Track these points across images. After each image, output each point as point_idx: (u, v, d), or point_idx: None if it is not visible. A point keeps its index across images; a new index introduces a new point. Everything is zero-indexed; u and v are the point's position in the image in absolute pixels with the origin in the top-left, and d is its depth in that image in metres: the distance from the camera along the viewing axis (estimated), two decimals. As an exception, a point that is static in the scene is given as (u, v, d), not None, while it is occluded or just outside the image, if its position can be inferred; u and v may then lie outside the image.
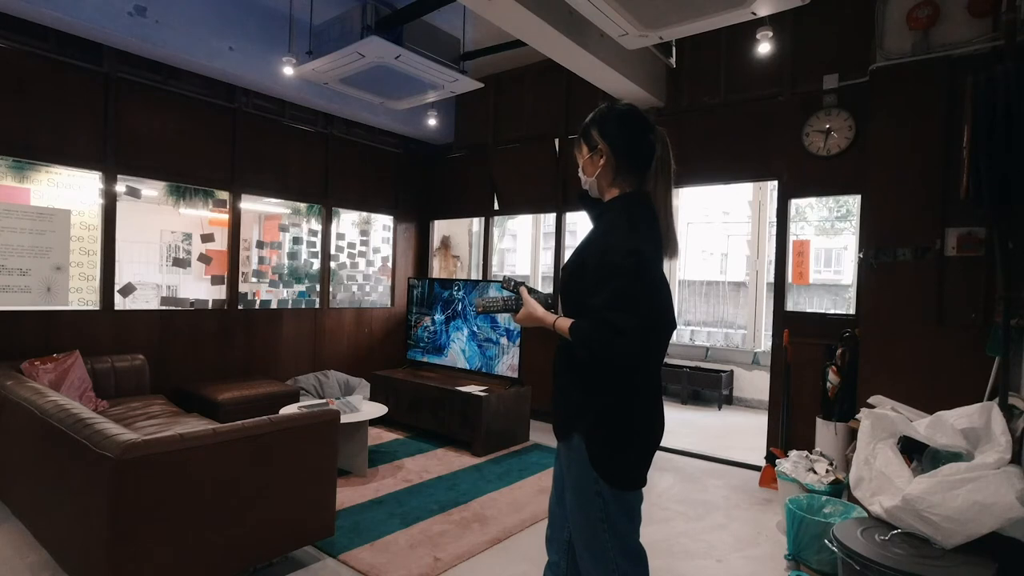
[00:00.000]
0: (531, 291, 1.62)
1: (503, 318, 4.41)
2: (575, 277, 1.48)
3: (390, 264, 5.88)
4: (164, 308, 4.35)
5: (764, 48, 3.78)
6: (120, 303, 3.93)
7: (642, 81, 4.15)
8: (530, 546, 2.74)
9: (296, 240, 5.16)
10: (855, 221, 5.45)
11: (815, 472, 2.90)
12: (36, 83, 3.52)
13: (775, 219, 4.05)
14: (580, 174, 1.60)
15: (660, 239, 1.46)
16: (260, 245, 5.67)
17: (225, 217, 4.54)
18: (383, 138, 5.61)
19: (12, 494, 2.62)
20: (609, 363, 1.37)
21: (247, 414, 2.78)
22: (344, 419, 3.24)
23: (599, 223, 1.54)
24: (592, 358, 1.40)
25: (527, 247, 8.34)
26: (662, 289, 1.39)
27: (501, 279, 1.71)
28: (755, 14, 2.91)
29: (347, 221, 5.70)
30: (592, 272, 1.41)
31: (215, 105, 4.35)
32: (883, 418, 2.39)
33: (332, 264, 5.34)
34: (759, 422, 4.56)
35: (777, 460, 3.15)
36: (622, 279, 1.34)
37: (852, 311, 3.79)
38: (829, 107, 3.71)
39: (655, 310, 1.35)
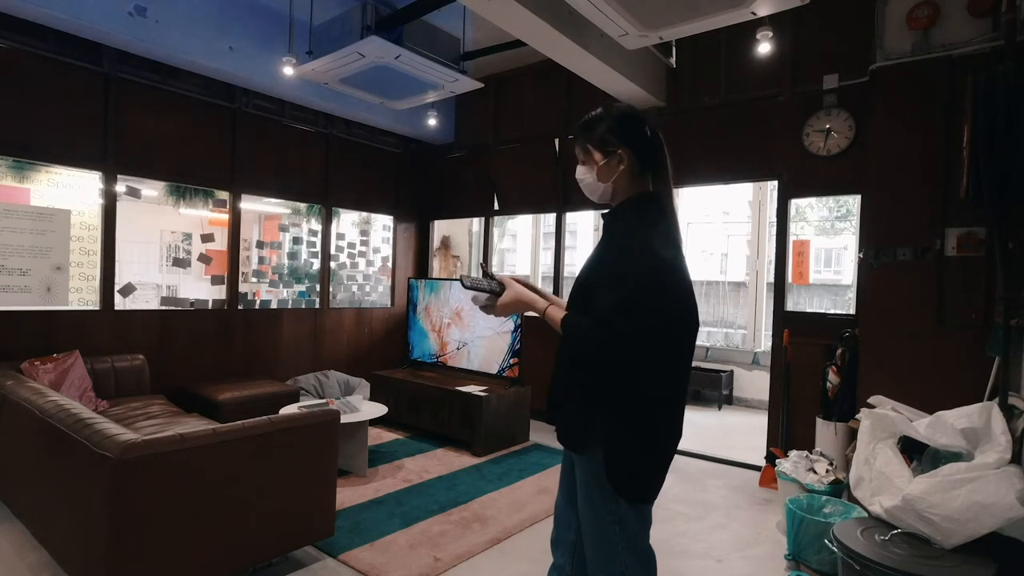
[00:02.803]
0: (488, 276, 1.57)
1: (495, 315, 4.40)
2: (592, 277, 1.45)
3: (390, 264, 5.88)
4: (164, 308, 4.35)
5: (764, 48, 3.78)
6: (120, 303, 3.93)
7: (642, 81, 4.16)
8: (530, 546, 2.74)
9: (296, 240, 5.16)
10: (855, 221, 5.45)
11: (815, 472, 2.90)
12: (36, 83, 3.52)
13: (775, 219, 4.05)
14: (588, 179, 1.51)
15: (676, 236, 1.44)
16: (260, 245, 5.68)
17: (225, 217, 4.54)
18: (383, 138, 5.61)
19: (12, 494, 2.62)
20: (602, 363, 1.36)
21: (247, 414, 2.78)
22: (344, 419, 3.24)
23: (617, 226, 1.49)
24: (581, 355, 1.38)
25: (527, 247, 8.34)
26: (676, 292, 1.37)
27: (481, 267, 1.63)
28: (755, 14, 2.91)
29: (347, 221, 5.70)
30: (606, 275, 1.39)
31: (215, 105, 4.35)
32: (883, 418, 2.39)
33: (332, 264, 5.34)
34: (759, 422, 4.56)
35: (777, 460, 3.15)
36: (631, 283, 1.32)
37: (852, 311, 3.79)
38: (829, 107, 3.71)
39: (661, 316, 1.33)
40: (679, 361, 1.43)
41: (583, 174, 1.53)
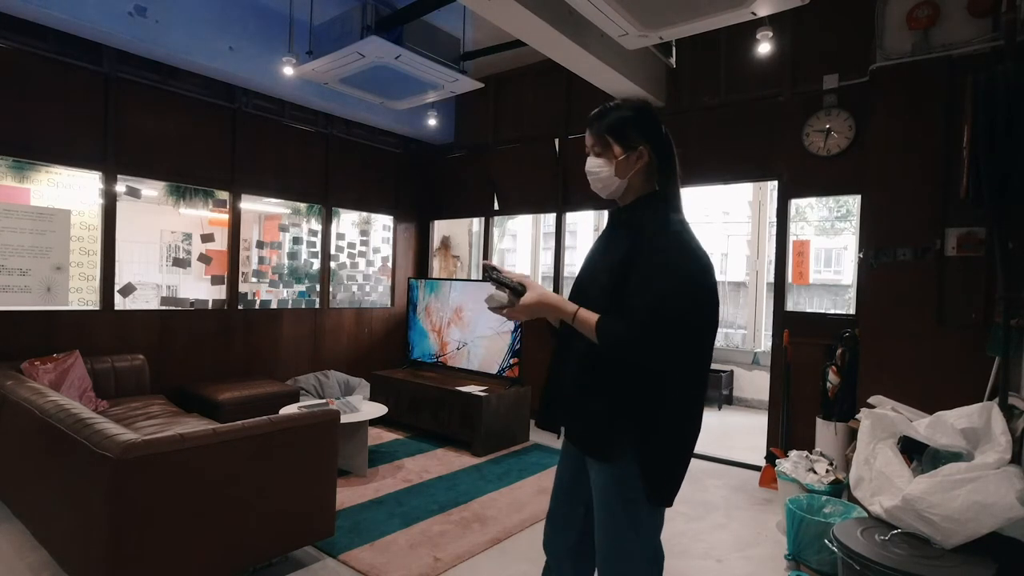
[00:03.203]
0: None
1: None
2: (614, 277, 1.37)
3: (390, 264, 5.88)
4: (164, 308, 4.35)
5: (764, 48, 3.78)
6: (120, 303, 3.93)
7: (642, 81, 4.16)
8: (530, 546, 2.73)
9: (296, 240, 5.16)
10: (855, 221, 5.45)
11: (815, 472, 2.90)
12: (36, 83, 3.52)
13: (775, 219, 4.05)
14: (604, 172, 1.45)
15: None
16: (260, 245, 5.68)
17: (225, 217, 4.54)
18: (383, 138, 5.61)
19: (12, 494, 2.62)
20: (638, 367, 1.32)
21: (247, 414, 2.79)
22: (344, 419, 3.24)
23: (633, 224, 1.43)
24: (619, 360, 1.33)
25: (527, 247, 8.34)
26: (711, 294, 1.36)
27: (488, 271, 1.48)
28: (755, 14, 2.91)
29: (347, 221, 5.70)
30: (639, 276, 1.32)
31: (215, 105, 4.35)
32: (883, 418, 2.39)
33: (332, 264, 5.34)
34: (759, 422, 4.56)
35: (777, 460, 3.15)
36: (669, 286, 1.29)
37: (852, 311, 3.79)
38: (829, 107, 3.71)
39: (697, 318, 1.32)
40: (707, 362, 1.42)
41: (599, 167, 1.45)
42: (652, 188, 1.46)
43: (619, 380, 1.35)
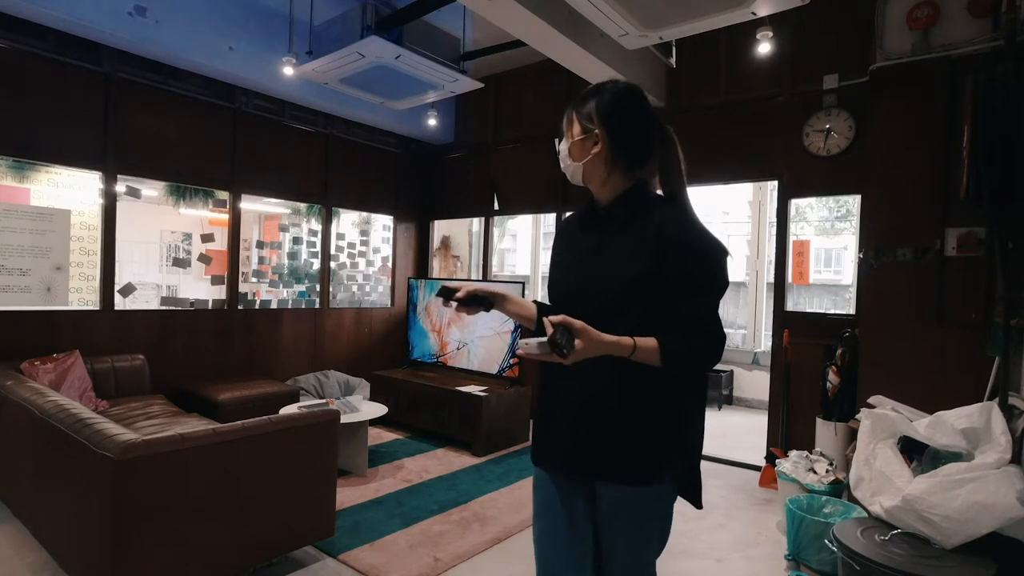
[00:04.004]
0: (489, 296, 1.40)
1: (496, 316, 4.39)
2: (641, 287, 1.24)
3: (390, 264, 5.88)
4: (164, 308, 4.35)
5: (764, 48, 3.78)
6: (120, 303, 3.93)
7: (642, 81, 4.15)
8: (530, 546, 2.73)
9: (296, 240, 5.16)
10: (855, 221, 5.45)
11: (815, 472, 2.90)
12: (36, 83, 3.52)
13: (775, 219, 4.05)
14: (563, 151, 1.37)
15: None
16: (260, 245, 5.68)
17: (225, 217, 4.54)
18: (383, 138, 5.61)
19: (12, 494, 2.63)
20: (695, 372, 1.26)
21: (247, 414, 2.79)
22: (344, 419, 3.24)
23: (627, 218, 1.32)
24: (693, 373, 1.29)
25: (527, 247, 8.35)
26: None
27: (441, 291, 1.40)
28: (755, 14, 2.91)
29: (347, 221, 5.70)
30: (676, 277, 1.22)
31: (215, 105, 4.35)
32: (883, 418, 2.39)
33: (332, 264, 5.34)
34: (759, 422, 4.56)
35: (777, 460, 3.15)
36: (711, 279, 1.23)
37: (852, 311, 3.79)
38: (829, 107, 3.71)
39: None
40: None
41: (561, 146, 1.38)
42: (633, 182, 1.34)
43: (648, 396, 1.25)
